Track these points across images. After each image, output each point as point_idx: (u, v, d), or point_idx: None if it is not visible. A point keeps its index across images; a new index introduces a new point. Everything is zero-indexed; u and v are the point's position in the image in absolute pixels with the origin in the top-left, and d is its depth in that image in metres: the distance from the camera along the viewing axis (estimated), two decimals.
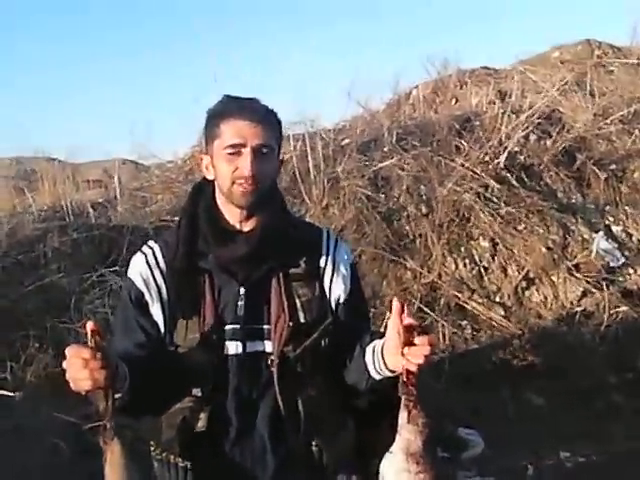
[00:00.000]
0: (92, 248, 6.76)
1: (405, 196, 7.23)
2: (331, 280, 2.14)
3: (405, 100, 9.88)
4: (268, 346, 2.05)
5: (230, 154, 2.02)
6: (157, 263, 2.09)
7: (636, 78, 9.95)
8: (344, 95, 8.41)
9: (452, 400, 5.79)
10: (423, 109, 9.11)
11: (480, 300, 6.81)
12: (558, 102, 8.63)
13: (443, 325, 6.39)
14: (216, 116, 2.09)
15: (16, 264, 6.55)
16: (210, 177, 2.13)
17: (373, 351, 2.02)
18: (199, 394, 2.03)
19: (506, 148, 7.60)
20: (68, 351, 1.74)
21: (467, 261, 7.03)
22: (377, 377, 2.03)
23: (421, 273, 6.77)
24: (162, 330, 2.07)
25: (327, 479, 2.12)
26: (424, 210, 7.17)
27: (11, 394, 5.14)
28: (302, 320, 2.07)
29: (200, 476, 2.04)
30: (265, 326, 2.06)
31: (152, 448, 2.09)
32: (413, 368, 1.83)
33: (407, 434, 1.86)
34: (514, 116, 7.96)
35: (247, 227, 2.09)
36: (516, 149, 7.88)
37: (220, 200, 2.11)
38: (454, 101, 9.51)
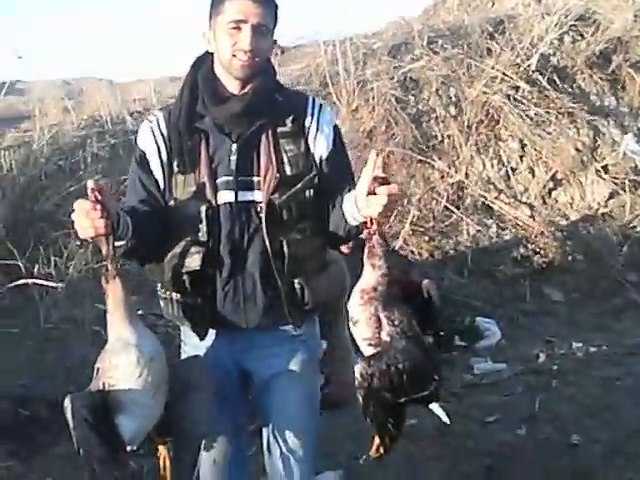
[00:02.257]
0: (129, 152, 6.97)
1: (434, 98, 7.30)
2: (315, 138, 2.32)
3: (442, 5, 9.82)
4: (258, 195, 2.25)
5: (232, 28, 2.20)
6: (159, 127, 2.30)
7: None
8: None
9: (473, 293, 6.01)
10: (457, 13, 9.05)
11: (507, 200, 6.93)
12: (595, 2, 8.48)
13: (467, 224, 6.55)
14: None
15: (57, 170, 6.84)
16: (211, 50, 2.31)
17: (349, 199, 2.21)
18: (195, 238, 2.27)
19: (538, 50, 7.57)
20: (75, 205, 2.01)
21: (495, 162, 7.13)
22: (353, 223, 2.22)
23: (448, 173, 6.89)
24: (162, 186, 2.29)
25: (306, 313, 2.37)
26: (453, 111, 7.24)
27: (54, 285, 5.44)
28: (288, 173, 2.27)
29: (197, 310, 2.29)
30: (255, 178, 2.26)
31: (158, 287, 2.38)
32: (374, 214, 2.05)
33: (364, 272, 2.12)
34: (548, 17, 7.88)
35: (241, 92, 2.28)
36: (549, 51, 7.83)
37: (218, 70, 2.30)
38: (491, 4, 9.42)
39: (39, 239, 5.91)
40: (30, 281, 5.43)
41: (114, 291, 2.08)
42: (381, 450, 2.15)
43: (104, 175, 6.59)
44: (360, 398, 2.06)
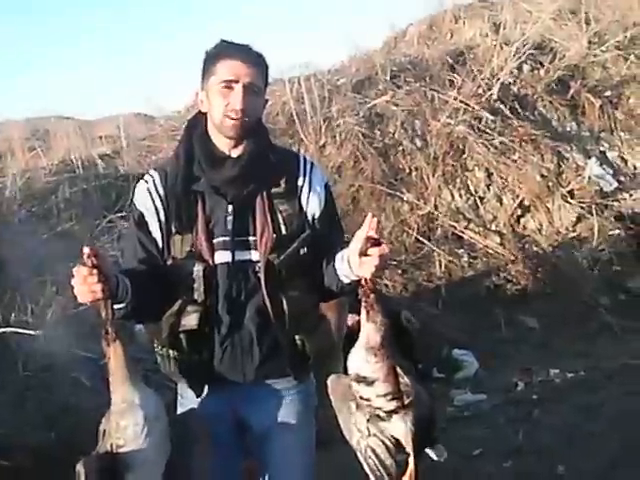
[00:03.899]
0: (101, 197, 7.00)
1: (400, 131, 7.40)
2: (307, 197, 2.38)
3: (401, 38, 9.97)
4: (254, 255, 2.31)
5: (224, 88, 2.27)
6: (156, 188, 2.35)
7: (634, 2, 9.91)
8: (341, 37, 8.53)
9: (448, 324, 6.06)
10: (418, 46, 9.19)
11: (476, 229, 7.03)
12: (551, 31, 8.68)
13: (439, 254, 6.62)
14: (213, 56, 2.33)
15: (31, 215, 6.82)
16: (204, 110, 2.37)
17: (342, 258, 2.28)
18: (193, 298, 2.31)
19: (499, 79, 7.72)
20: (73, 271, 2.05)
21: (462, 192, 7.24)
22: (345, 280, 2.28)
23: (417, 205, 6.98)
24: (160, 245, 2.33)
25: (307, 367, 2.43)
26: (419, 144, 7.35)
27: (32, 332, 5.40)
28: (284, 232, 2.32)
29: (194, 367, 2.33)
30: (251, 238, 2.31)
31: (155, 345, 2.40)
32: (367, 275, 2.11)
33: (366, 331, 2.14)
34: (506, 47, 8.05)
35: (235, 153, 2.34)
36: (509, 80, 8.01)
37: (212, 131, 2.36)
38: (449, 36, 9.57)
39: (15, 287, 5.88)
40: (7, 330, 5.39)
41: (115, 353, 2.10)
42: None
43: (77, 221, 6.58)
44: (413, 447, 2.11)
